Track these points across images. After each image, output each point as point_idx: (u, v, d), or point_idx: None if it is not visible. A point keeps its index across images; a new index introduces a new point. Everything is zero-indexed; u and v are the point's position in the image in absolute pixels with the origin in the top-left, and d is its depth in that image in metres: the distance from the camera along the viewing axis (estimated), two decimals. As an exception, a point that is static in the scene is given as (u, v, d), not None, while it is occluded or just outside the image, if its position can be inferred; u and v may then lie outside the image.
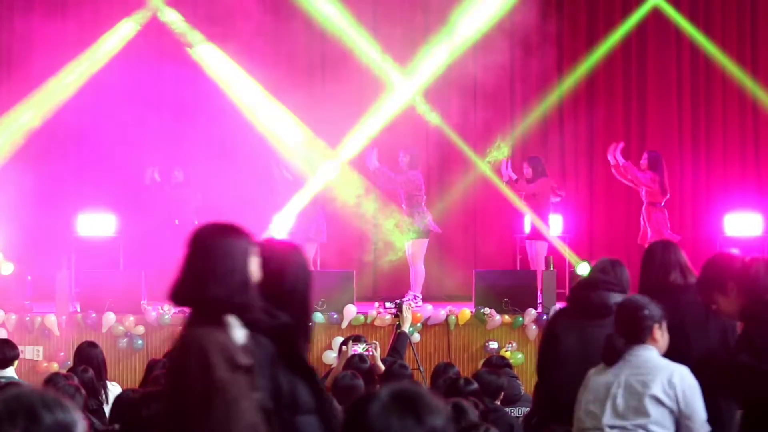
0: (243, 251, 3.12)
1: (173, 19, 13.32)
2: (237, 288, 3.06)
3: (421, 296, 11.69)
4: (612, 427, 4.46)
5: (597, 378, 4.59)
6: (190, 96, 13.60)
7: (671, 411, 4.43)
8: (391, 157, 13.33)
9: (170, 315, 10.98)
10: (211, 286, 3.03)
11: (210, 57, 13.36)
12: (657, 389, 4.41)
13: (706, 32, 13.63)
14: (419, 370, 9.36)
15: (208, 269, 3.05)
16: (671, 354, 4.58)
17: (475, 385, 6.05)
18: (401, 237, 11.92)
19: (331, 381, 6.63)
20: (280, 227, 12.25)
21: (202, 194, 12.46)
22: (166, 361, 3.01)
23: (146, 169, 12.70)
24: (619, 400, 4.47)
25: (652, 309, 4.56)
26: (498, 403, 6.18)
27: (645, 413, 4.42)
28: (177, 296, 3.14)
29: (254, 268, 3.14)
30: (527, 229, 12.41)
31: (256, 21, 13.76)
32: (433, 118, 13.34)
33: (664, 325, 4.59)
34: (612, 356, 4.54)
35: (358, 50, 13.37)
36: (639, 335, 4.52)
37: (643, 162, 12.03)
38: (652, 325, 4.53)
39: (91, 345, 7.56)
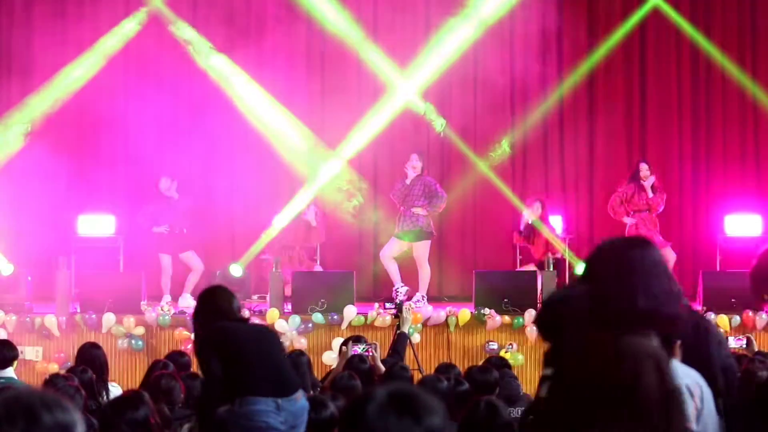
0: (663, 263, 3.18)
1: (177, 27, 13.29)
2: (664, 300, 3.10)
3: (426, 296, 11.72)
4: None
5: None
6: (191, 97, 13.60)
7: (696, 407, 4.49)
8: (392, 156, 13.35)
9: (170, 316, 10.98)
10: (641, 299, 3.06)
11: (211, 59, 13.33)
12: (687, 380, 4.50)
13: (706, 33, 13.63)
14: (419, 371, 9.35)
15: (636, 284, 3.08)
16: None
17: (466, 386, 6.05)
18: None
19: (330, 382, 6.64)
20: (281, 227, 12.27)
21: (192, 198, 12.36)
22: (574, 371, 2.94)
23: (147, 174, 12.68)
24: None
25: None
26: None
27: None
28: (602, 312, 3.15)
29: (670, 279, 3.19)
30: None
31: (256, 21, 13.77)
32: (439, 125, 13.35)
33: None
34: None
35: (358, 50, 13.37)
36: (663, 343, 4.65)
37: (652, 184, 12.07)
38: (676, 340, 4.68)
39: (94, 346, 7.56)
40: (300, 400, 5.65)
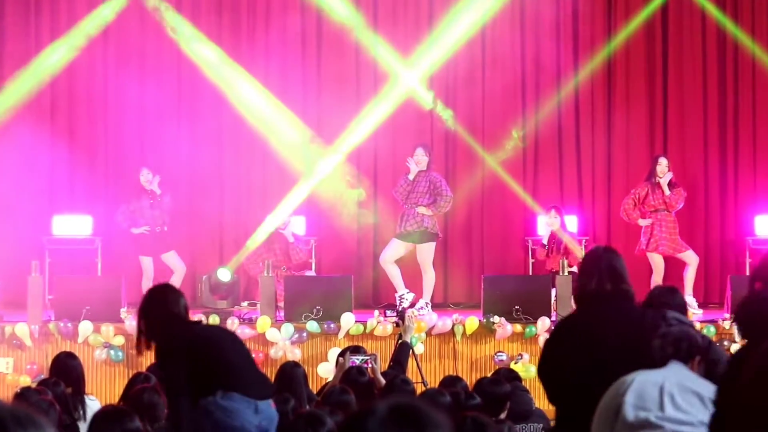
0: None
1: (162, 12, 13.26)
2: None
3: (431, 303, 11.71)
4: (681, 422, 4.58)
5: (642, 378, 4.72)
6: (177, 89, 13.60)
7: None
8: (393, 151, 13.35)
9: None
10: None
11: (199, 47, 13.32)
12: (711, 394, 4.57)
13: (734, 16, 13.62)
14: (423, 384, 9.34)
15: None
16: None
17: (478, 400, 6.06)
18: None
19: (322, 396, 6.64)
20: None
21: (173, 196, 12.35)
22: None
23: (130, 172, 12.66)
24: (678, 398, 4.60)
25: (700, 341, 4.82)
26: (503, 416, 6.17)
27: (708, 411, 4.57)
28: None
29: None
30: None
31: (247, 6, 13.76)
32: (448, 117, 13.35)
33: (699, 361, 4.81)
34: (661, 359, 4.73)
35: (358, 36, 13.37)
36: (683, 356, 4.72)
37: (669, 181, 12.01)
38: (696, 353, 4.76)
39: (70, 356, 7.55)
40: (272, 406, 5.85)
